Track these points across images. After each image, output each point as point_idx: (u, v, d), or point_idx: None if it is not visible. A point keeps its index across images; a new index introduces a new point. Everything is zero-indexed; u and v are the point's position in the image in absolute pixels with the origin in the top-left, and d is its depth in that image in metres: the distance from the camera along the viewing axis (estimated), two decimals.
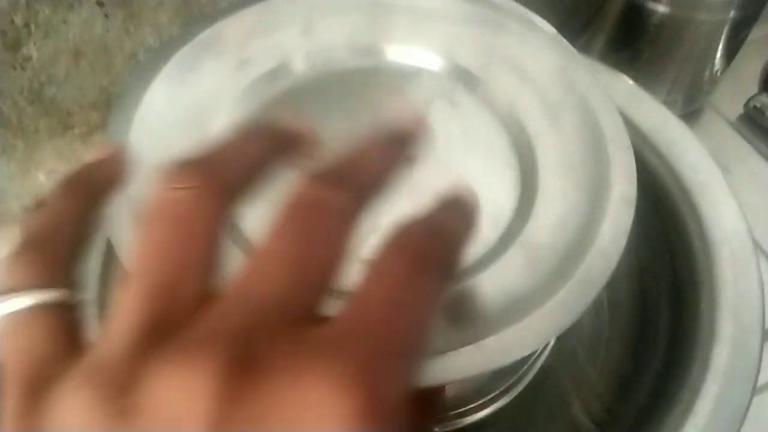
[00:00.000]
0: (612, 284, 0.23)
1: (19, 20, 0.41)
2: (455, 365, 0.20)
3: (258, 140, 0.17)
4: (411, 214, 0.16)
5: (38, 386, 0.13)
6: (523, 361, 0.33)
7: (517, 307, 0.22)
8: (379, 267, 0.14)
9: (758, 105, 0.52)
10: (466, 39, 0.31)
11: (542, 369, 0.35)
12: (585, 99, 0.29)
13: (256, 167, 0.15)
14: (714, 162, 0.35)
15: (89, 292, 0.31)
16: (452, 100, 0.30)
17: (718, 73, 0.51)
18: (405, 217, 0.16)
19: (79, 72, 0.45)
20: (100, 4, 0.42)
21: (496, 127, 0.29)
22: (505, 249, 0.24)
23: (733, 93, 0.54)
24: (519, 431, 0.34)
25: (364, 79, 0.30)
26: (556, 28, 0.32)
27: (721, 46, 0.47)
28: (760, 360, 0.28)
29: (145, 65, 0.29)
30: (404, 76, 0.31)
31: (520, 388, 0.34)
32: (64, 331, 0.14)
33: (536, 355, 0.35)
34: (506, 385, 0.34)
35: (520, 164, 0.28)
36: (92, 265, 0.32)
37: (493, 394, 0.33)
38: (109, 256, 0.32)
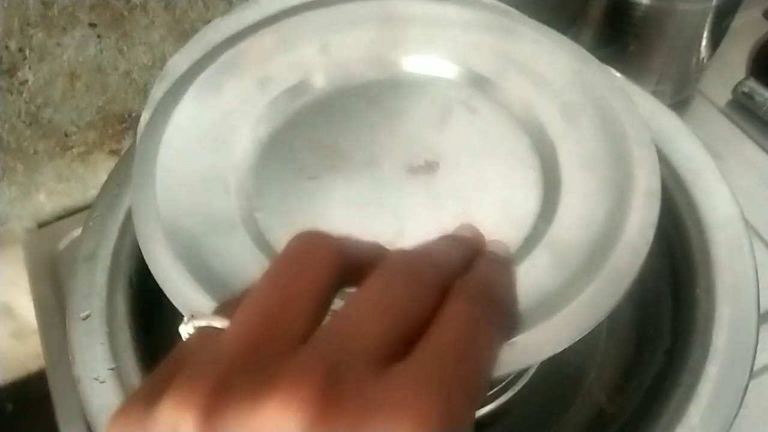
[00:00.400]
0: None
1: (13, 45, 0.41)
2: None
3: (376, 249, 0.19)
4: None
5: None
6: None
7: (547, 305, 0.22)
8: (447, 316, 0.16)
9: (746, 90, 0.52)
10: (481, 46, 0.32)
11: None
12: (603, 99, 0.29)
13: (371, 260, 0.18)
14: (705, 149, 0.35)
15: (96, 304, 0.31)
16: (471, 107, 0.31)
17: (705, 61, 0.51)
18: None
19: (74, 93, 0.46)
20: (93, 26, 0.43)
21: (515, 131, 0.30)
22: (532, 249, 0.25)
23: (721, 80, 0.55)
24: (525, 418, 0.35)
25: (382, 90, 0.31)
26: None
27: (705, 35, 0.48)
28: (757, 341, 0.28)
29: (172, 88, 0.30)
30: (422, 85, 0.31)
31: (525, 379, 0.35)
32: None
33: None
34: (512, 376, 0.34)
35: (541, 165, 0.28)
36: (99, 277, 0.32)
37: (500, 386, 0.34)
38: (116, 268, 0.33)
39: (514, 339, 0.21)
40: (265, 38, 0.32)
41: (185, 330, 0.17)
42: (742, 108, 0.53)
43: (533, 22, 0.32)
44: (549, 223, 0.26)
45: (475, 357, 0.15)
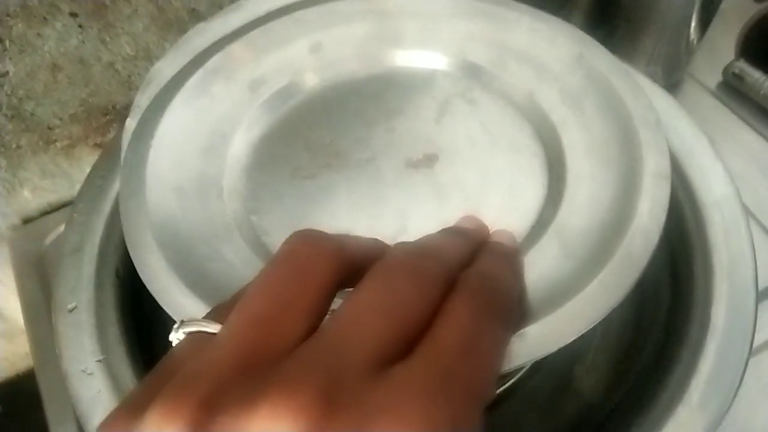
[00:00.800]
0: None
1: None
2: None
3: (378, 247, 0.19)
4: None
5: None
6: None
7: (557, 294, 0.22)
8: (450, 314, 0.15)
9: (736, 71, 0.52)
10: (476, 36, 0.31)
11: None
12: (606, 81, 0.28)
13: (372, 258, 0.17)
14: (699, 129, 0.35)
15: (82, 296, 0.31)
16: (469, 98, 0.30)
17: (695, 43, 0.51)
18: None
19: (57, 85, 0.45)
20: (74, 15, 0.42)
21: (516, 120, 0.29)
22: (539, 237, 0.24)
23: (711, 62, 0.55)
24: (524, 398, 0.34)
25: (377, 87, 0.31)
26: None
27: (694, 16, 0.48)
28: (756, 319, 0.28)
29: (159, 94, 0.29)
30: (417, 79, 0.31)
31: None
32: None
33: None
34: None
35: (545, 152, 0.28)
36: (86, 269, 0.31)
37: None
38: (102, 260, 0.32)
39: (522, 331, 0.20)
40: (254, 40, 0.31)
41: (176, 337, 0.16)
42: (733, 90, 0.53)
43: (528, 8, 0.32)
44: (556, 210, 0.25)
45: (479, 355, 0.14)
